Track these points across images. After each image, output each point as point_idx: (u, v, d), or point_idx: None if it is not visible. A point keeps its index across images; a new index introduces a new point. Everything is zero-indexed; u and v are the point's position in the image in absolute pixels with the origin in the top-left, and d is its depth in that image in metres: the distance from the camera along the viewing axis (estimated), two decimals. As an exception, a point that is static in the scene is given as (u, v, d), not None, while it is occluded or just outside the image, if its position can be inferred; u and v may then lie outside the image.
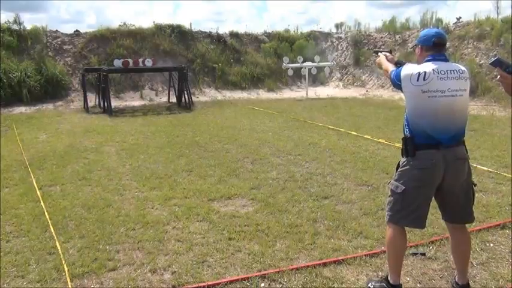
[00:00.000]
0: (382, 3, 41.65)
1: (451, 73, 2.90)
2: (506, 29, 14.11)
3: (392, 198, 3.07)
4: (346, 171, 6.40)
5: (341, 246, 3.98)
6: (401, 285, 3.16)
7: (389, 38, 18.98)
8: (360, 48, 19.60)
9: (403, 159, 3.02)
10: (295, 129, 9.70)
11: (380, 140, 8.33)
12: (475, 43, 15.06)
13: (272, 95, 17.35)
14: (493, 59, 2.67)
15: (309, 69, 16.61)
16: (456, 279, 3.23)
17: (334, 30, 21.92)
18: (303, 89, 17.75)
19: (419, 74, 2.88)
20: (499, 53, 13.90)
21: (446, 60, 2.99)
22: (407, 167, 2.97)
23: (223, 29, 22.22)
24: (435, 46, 2.98)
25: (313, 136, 8.91)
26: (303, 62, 16.54)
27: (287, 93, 17.80)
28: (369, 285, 3.25)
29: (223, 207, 5.04)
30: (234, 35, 19.89)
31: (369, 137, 8.62)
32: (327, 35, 21.48)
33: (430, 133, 2.88)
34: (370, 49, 19.37)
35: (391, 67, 3.24)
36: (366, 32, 20.54)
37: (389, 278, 3.16)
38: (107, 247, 3.96)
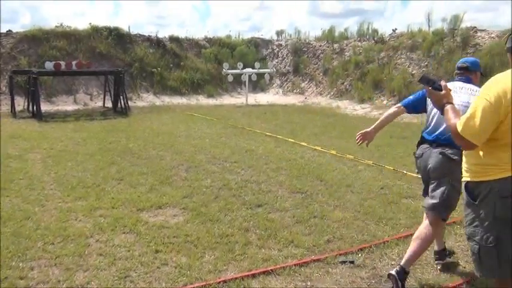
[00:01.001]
0: (323, 13, 42.78)
1: (464, 89, 3.50)
2: (437, 41, 14.78)
3: None
4: (281, 179, 6.37)
5: (271, 256, 3.90)
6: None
7: (328, 47, 19.37)
8: (300, 56, 19.87)
9: None
10: (233, 136, 9.61)
11: (316, 147, 8.39)
12: (408, 53, 15.66)
13: (212, 101, 17.20)
14: (420, 77, 2.75)
15: (249, 76, 16.61)
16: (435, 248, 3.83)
17: (275, 37, 22.14)
18: (243, 95, 17.76)
19: None
20: (429, 63, 14.53)
21: (466, 81, 3.59)
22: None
23: (166, 33, 21.82)
24: (458, 70, 3.69)
25: (250, 143, 8.86)
26: (243, 69, 16.51)
27: (227, 100, 17.72)
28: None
29: (152, 217, 4.83)
30: (174, 39, 19.60)
31: (305, 144, 8.68)
32: (268, 42, 21.64)
33: (431, 134, 3.54)
34: (310, 57, 19.73)
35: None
36: (305, 40, 20.87)
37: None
38: (21, 264, 3.66)
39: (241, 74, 16.69)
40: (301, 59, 19.64)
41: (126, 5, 49.54)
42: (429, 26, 15.93)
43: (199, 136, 9.56)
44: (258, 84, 19.19)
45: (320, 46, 19.86)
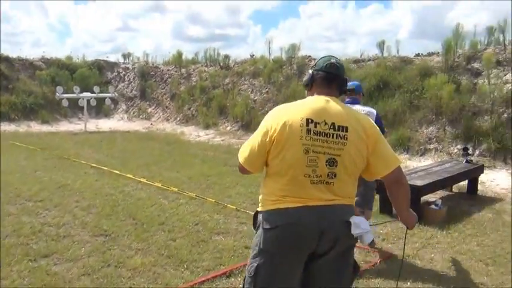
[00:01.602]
0: (188, 37, 43.13)
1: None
2: (277, 68, 15.28)
3: None
4: (87, 219, 5.65)
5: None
6: None
7: (176, 71, 19.05)
8: (147, 80, 19.22)
9: None
10: (52, 169, 8.59)
11: (141, 180, 7.80)
12: (250, 80, 15.96)
13: (46, 128, 15.65)
14: None
15: (88, 101, 15.46)
16: None
17: (121, 60, 21.21)
18: (84, 121, 16.54)
19: None
20: (270, 90, 14.93)
21: (354, 102, 4.59)
22: None
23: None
24: (347, 91, 4.31)
25: (68, 177, 7.95)
26: (80, 93, 15.31)
27: (65, 126, 16.29)
28: None
29: None
30: (3, 59, 17.62)
31: (131, 176, 8.04)
32: (114, 65, 20.63)
33: None
34: (157, 81, 19.19)
35: None
36: (153, 64, 20.33)
37: None
38: None
39: (78, 99, 15.44)
40: (148, 83, 19.00)
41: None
42: (270, 54, 16.47)
43: (10, 170, 8.33)
44: (102, 109, 18.08)
45: (168, 70, 19.47)
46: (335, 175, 2.22)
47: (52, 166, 8.89)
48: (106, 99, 16.37)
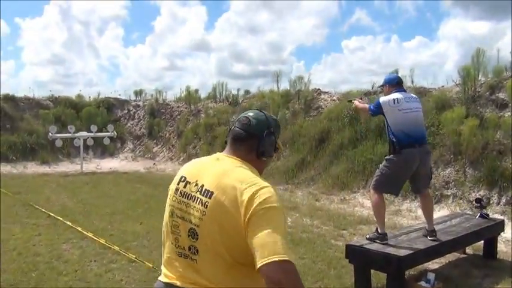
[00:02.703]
0: (233, 74, 43.28)
1: (411, 98, 4.92)
2: (284, 103, 14.09)
3: (379, 176, 4.79)
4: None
5: None
6: (386, 233, 4.68)
7: (186, 108, 18.20)
8: (156, 117, 18.41)
9: (391, 155, 4.78)
10: (3, 219, 7.56)
11: (89, 234, 6.65)
12: (258, 116, 14.77)
13: (43, 169, 14.85)
14: None
15: (84, 140, 14.67)
16: (426, 228, 4.87)
17: (133, 97, 20.57)
18: (87, 161, 15.81)
19: (393, 99, 4.78)
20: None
21: (405, 91, 5.03)
22: (395, 159, 4.72)
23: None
24: (397, 84, 5.03)
25: (10, 229, 6.90)
26: (76, 132, 14.54)
27: (64, 167, 15.47)
28: (366, 236, 4.74)
29: None
30: (9, 98, 17.24)
31: (79, 229, 6.90)
32: (124, 103, 19.98)
33: (410, 136, 4.69)
34: (167, 119, 18.33)
35: (367, 105, 5.30)
36: (164, 100, 19.56)
37: (378, 229, 4.69)
38: None
39: (73, 139, 14.66)
40: (155, 121, 18.16)
41: (29, 64, 46.14)
42: (278, 88, 15.34)
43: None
44: (108, 149, 17.29)
45: (178, 107, 18.65)
46: (197, 251, 1.76)
47: (6, 216, 7.86)
48: (104, 139, 15.51)
